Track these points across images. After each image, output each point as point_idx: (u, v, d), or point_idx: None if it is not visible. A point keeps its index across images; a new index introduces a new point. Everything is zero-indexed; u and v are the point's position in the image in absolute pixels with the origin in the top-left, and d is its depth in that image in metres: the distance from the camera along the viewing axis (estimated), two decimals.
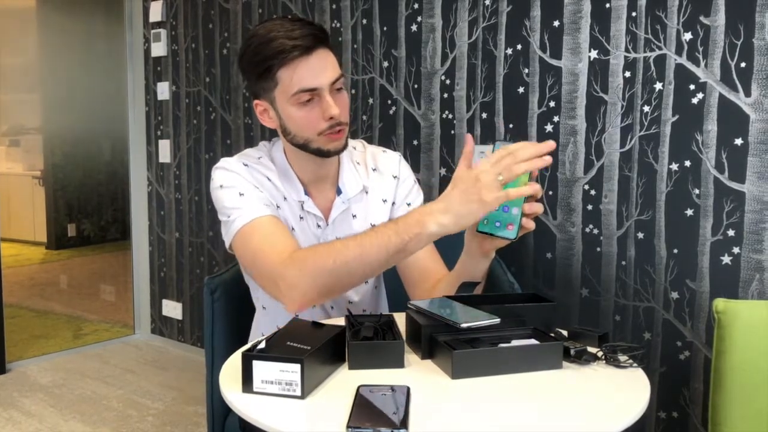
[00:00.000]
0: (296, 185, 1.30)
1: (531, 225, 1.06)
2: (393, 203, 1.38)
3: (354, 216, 1.34)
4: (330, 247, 1.11)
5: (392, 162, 1.40)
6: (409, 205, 1.39)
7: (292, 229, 1.29)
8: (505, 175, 0.99)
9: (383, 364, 0.99)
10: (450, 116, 2.16)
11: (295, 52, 1.17)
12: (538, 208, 1.06)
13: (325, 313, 1.37)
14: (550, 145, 1.01)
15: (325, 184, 1.33)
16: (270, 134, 2.70)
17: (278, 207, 1.28)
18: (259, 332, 1.39)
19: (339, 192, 1.33)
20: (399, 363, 0.99)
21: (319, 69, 1.18)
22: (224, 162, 1.29)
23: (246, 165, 1.28)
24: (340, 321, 1.12)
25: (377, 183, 1.37)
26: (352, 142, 1.39)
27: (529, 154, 1.00)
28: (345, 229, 1.33)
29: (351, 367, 0.99)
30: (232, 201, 1.23)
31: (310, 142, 1.23)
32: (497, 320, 1.02)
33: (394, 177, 1.38)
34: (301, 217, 1.30)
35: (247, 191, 1.24)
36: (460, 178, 1.03)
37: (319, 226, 1.31)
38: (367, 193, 1.36)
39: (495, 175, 0.99)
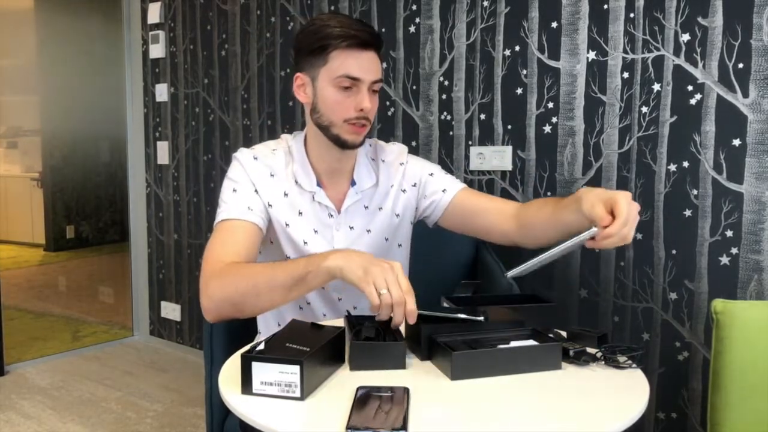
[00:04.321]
0: (310, 176, 1.36)
1: (598, 245, 1.06)
2: (414, 185, 1.45)
3: (366, 207, 1.40)
4: (249, 270, 1.17)
5: (399, 151, 1.48)
6: (431, 175, 1.45)
7: (286, 224, 1.34)
8: (384, 299, 0.99)
9: (385, 365, 0.99)
10: (448, 117, 2.16)
11: (353, 41, 1.25)
12: None
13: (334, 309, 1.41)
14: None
15: (340, 176, 1.39)
16: (269, 137, 2.70)
17: (270, 205, 1.33)
18: (265, 324, 1.44)
19: (353, 184, 1.39)
20: (400, 364, 0.99)
21: (367, 65, 1.27)
22: (240, 152, 1.37)
23: (255, 158, 1.36)
24: (338, 322, 1.12)
25: (386, 173, 1.44)
26: (367, 141, 1.46)
27: (402, 313, 1.00)
28: (357, 218, 1.39)
29: (352, 368, 0.99)
30: (226, 195, 1.32)
31: (333, 126, 1.30)
32: (481, 319, 1.05)
33: (401, 164, 1.46)
34: (300, 213, 1.35)
35: (241, 189, 1.32)
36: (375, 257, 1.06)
37: (330, 216, 1.37)
38: (378, 185, 1.42)
39: (384, 282, 1.00)
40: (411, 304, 1.00)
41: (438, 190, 1.44)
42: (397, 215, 1.43)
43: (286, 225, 1.34)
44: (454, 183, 1.45)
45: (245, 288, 1.14)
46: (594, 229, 1.06)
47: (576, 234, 1.08)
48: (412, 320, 1.00)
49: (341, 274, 1.06)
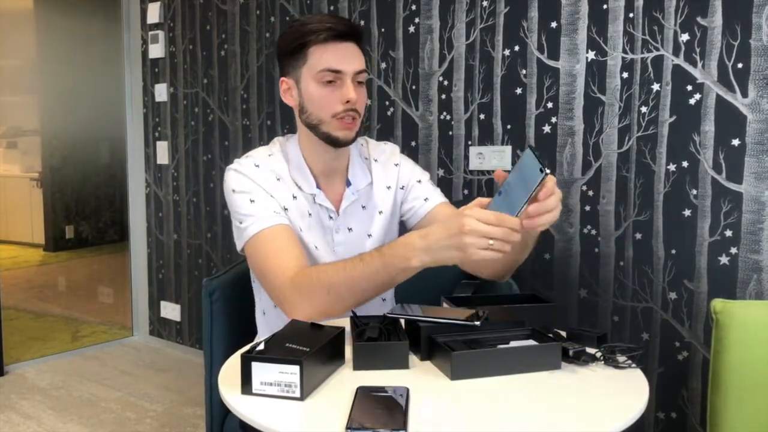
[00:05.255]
0: (309, 178, 1.35)
1: (534, 225, 1.00)
2: (402, 187, 1.44)
3: (363, 207, 1.39)
4: (327, 275, 1.15)
5: (391, 151, 1.47)
6: (419, 182, 1.44)
7: (300, 229, 1.32)
8: (497, 246, 0.97)
9: (388, 365, 0.99)
10: (448, 117, 2.17)
11: (329, 33, 1.25)
12: (547, 217, 1.01)
13: None
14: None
15: (336, 177, 1.38)
16: (268, 137, 2.70)
17: (286, 209, 1.31)
18: (264, 334, 1.42)
19: (349, 184, 1.38)
20: (404, 364, 0.99)
21: (347, 56, 1.27)
22: (237, 164, 1.33)
23: (257, 166, 1.33)
24: (341, 322, 1.12)
25: (380, 173, 1.43)
26: (359, 139, 1.45)
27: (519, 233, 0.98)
28: (355, 219, 1.38)
29: (356, 368, 0.99)
30: (245, 207, 1.28)
31: (322, 123, 1.29)
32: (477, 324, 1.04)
33: (396, 165, 1.45)
34: (310, 214, 1.34)
35: (258, 197, 1.28)
36: (451, 221, 1.02)
37: (330, 217, 1.36)
38: (372, 184, 1.41)
39: (485, 237, 0.97)
40: (511, 223, 0.97)
41: (420, 197, 1.42)
42: (390, 214, 1.43)
43: (300, 230, 1.32)
44: (436, 195, 1.43)
45: (329, 298, 1.14)
46: (546, 171, 0.97)
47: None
48: (535, 225, 0.98)
49: (438, 265, 1.06)
